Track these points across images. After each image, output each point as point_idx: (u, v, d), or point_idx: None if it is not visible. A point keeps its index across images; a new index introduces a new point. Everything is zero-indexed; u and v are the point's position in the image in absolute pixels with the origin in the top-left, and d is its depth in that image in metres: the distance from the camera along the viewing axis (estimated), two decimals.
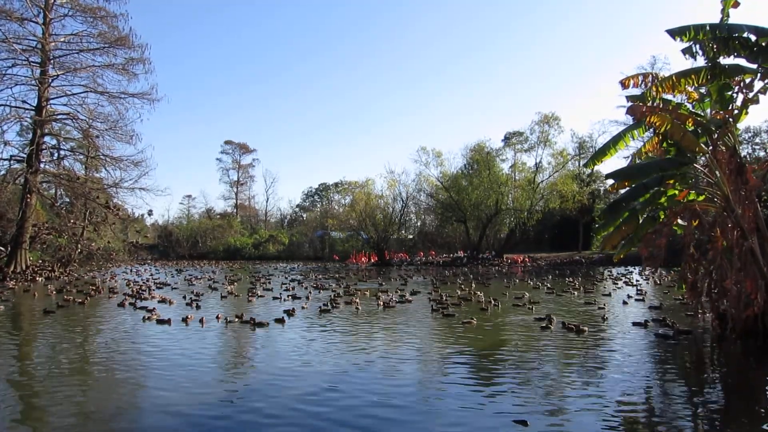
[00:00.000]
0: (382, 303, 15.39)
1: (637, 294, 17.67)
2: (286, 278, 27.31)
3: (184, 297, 17.29)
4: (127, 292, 18.93)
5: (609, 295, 17.80)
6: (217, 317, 12.39)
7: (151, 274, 31.52)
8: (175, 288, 21.62)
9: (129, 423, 5.71)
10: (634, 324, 11.63)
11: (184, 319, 12.26)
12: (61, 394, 6.71)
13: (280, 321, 12.22)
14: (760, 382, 7.64)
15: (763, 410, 6.20)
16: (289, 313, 13.39)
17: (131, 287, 21.08)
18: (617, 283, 22.67)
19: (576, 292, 18.70)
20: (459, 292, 18.33)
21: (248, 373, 7.88)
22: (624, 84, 11.47)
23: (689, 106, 11.57)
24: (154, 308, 13.86)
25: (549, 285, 21.83)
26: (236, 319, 12.26)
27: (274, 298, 17.27)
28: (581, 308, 14.66)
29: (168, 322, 12.14)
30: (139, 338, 10.67)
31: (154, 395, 6.63)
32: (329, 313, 13.88)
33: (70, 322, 12.82)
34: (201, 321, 12.14)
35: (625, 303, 15.50)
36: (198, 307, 15.05)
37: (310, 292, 19.00)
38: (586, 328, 10.85)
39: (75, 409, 6.12)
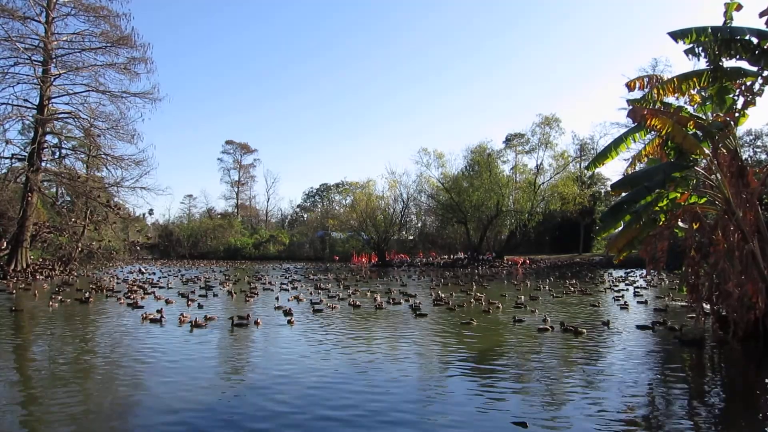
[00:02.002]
0: (378, 303, 15.35)
1: (635, 296, 17.61)
2: (286, 278, 27.30)
3: (182, 296, 17.24)
4: (124, 292, 18.92)
5: (622, 296, 17.77)
6: (205, 317, 12.30)
7: (152, 274, 31.52)
8: (170, 288, 21.55)
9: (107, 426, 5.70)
10: (637, 327, 11.61)
11: (180, 321, 12.21)
12: (45, 394, 6.70)
13: (290, 322, 12.16)
14: (761, 385, 7.61)
15: (763, 414, 6.18)
16: (286, 312, 13.41)
17: (129, 287, 21.04)
18: (617, 286, 22.62)
19: (579, 295, 18.66)
20: (454, 295, 18.30)
21: (240, 374, 7.88)
22: (630, 86, 11.50)
23: (690, 109, 11.58)
24: (161, 309, 13.68)
25: (549, 287, 21.80)
26: (203, 322, 12.01)
27: (276, 298, 17.25)
28: (586, 311, 14.64)
29: (160, 321, 12.10)
30: (130, 338, 10.60)
31: (137, 397, 6.60)
32: (322, 312, 13.89)
33: (65, 321, 12.81)
34: (193, 323, 12.00)
35: (626, 306, 15.46)
36: (200, 306, 15.05)
37: (311, 293, 18.99)
38: (584, 330, 10.84)
39: (59, 410, 6.09)
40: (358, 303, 15.26)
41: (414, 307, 14.12)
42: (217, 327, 11.70)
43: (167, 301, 15.87)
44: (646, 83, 11.39)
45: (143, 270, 35.57)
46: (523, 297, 16.95)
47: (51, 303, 15.47)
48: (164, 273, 32.45)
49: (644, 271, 27.37)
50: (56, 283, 23.28)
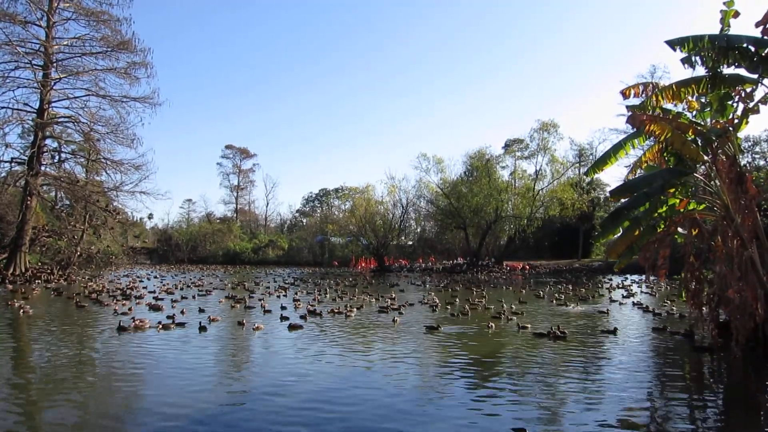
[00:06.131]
0: (393, 306, 15.29)
1: (625, 297, 17.56)
2: (284, 283, 27.23)
3: (174, 304, 16.96)
4: (117, 297, 18.82)
5: (639, 302, 17.77)
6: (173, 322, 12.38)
7: (149, 279, 31.40)
8: (156, 288, 21.45)
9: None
10: (637, 332, 11.60)
11: (169, 326, 12.23)
12: (37, 401, 6.67)
13: (295, 327, 12.12)
14: (761, 392, 7.60)
15: (763, 421, 6.16)
16: (283, 317, 13.43)
17: (123, 292, 20.81)
18: (614, 291, 22.59)
19: (579, 301, 18.64)
20: (457, 301, 18.25)
21: (236, 379, 7.84)
22: (625, 94, 11.50)
23: (689, 115, 11.60)
24: (173, 315, 13.59)
25: (550, 293, 21.76)
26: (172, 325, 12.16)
27: (261, 307, 17.06)
28: (587, 317, 14.60)
29: (144, 326, 11.99)
30: (122, 345, 10.49)
31: (131, 404, 6.58)
32: (315, 315, 13.84)
33: (53, 326, 12.71)
34: (162, 326, 12.06)
35: (641, 310, 15.39)
36: (201, 310, 14.98)
37: (312, 300, 18.95)
38: (566, 332, 10.88)
39: (55, 417, 6.08)
40: (352, 309, 15.11)
41: (394, 320, 13.53)
42: (213, 332, 11.66)
43: (157, 308, 15.67)
44: (641, 91, 11.41)
45: (142, 275, 35.43)
46: (510, 306, 16.50)
47: (25, 311, 14.81)
48: (161, 278, 32.32)
49: (643, 277, 27.35)
50: (43, 287, 23.12)
